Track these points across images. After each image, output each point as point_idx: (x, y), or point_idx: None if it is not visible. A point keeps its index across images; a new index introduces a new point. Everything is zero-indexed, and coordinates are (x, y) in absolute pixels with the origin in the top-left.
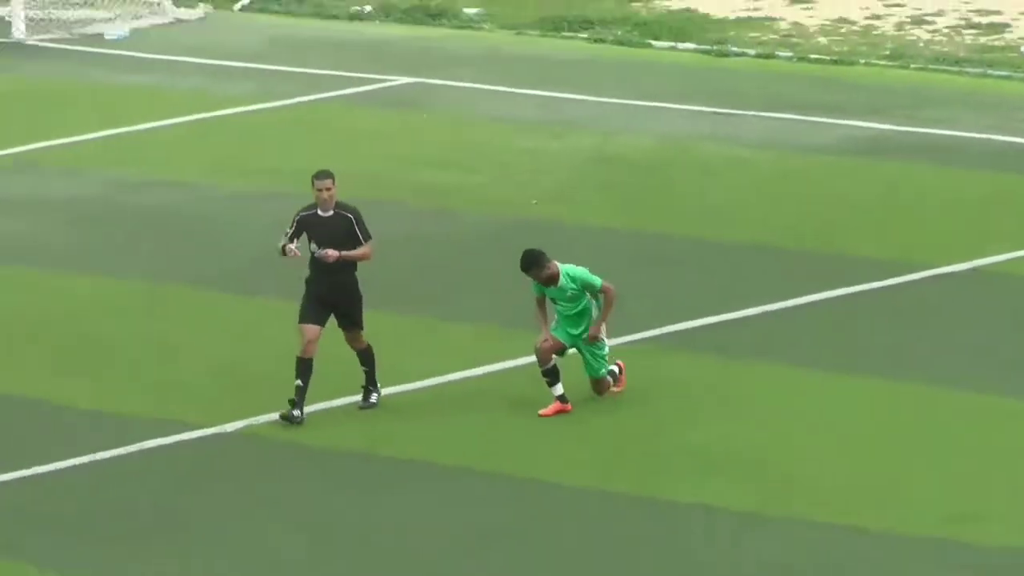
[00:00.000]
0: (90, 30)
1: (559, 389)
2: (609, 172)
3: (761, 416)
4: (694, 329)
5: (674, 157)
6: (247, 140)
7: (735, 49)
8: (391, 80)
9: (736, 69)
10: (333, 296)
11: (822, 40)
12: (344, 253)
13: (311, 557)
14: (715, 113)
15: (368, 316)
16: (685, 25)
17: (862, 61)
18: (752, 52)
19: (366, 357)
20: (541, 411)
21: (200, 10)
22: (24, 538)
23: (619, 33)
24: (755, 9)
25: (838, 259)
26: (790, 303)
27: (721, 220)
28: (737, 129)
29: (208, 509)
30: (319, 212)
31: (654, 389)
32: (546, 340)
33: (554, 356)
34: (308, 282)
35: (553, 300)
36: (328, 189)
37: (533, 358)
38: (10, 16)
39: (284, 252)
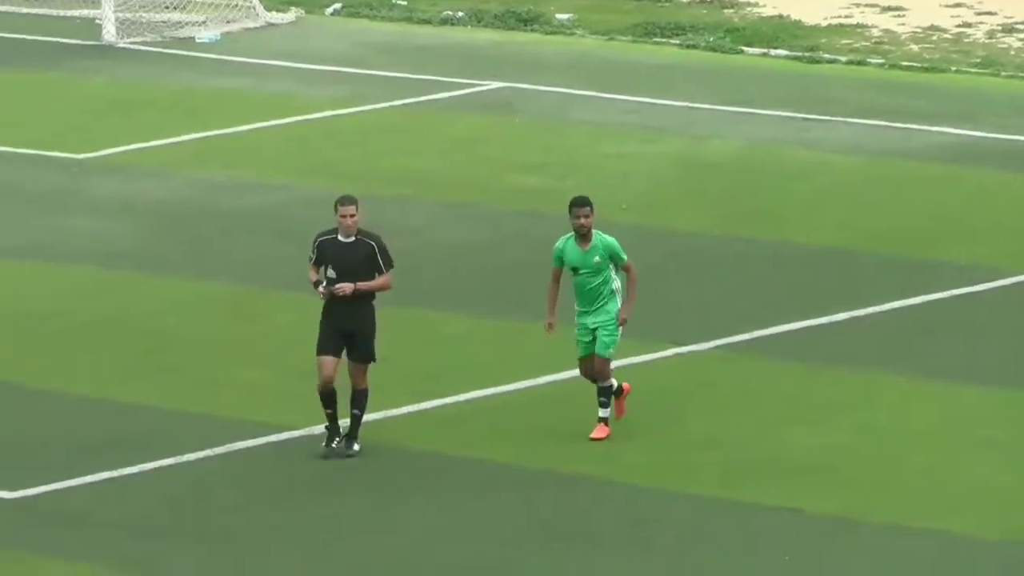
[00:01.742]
0: (181, 34)
1: (605, 412)
2: (698, 177)
3: (845, 422)
4: (779, 334)
5: (763, 162)
6: (337, 144)
7: (827, 56)
8: (482, 85)
9: (827, 76)
10: (349, 325)
11: (913, 47)
12: (360, 285)
13: (394, 561)
14: (805, 119)
15: (456, 320)
16: (777, 31)
17: (953, 69)
18: (843, 59)
19: (360, 399)
20: (593, 435)
21: (292, 14)
22: (106, 540)
23: (710, 39)
24: (847, 16)
25: (925, 265)
26: (876, 309)
27: (809, 225)
28: (826, 135)
29: (292, 511)
30: (340, 238)
31: (739, 394)
32: (586, 360)
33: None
34: (325, 310)
35: (574, 271)
36: (352, 215)
37: (628, 361)
38: (101, 19)
39: (315, 286)
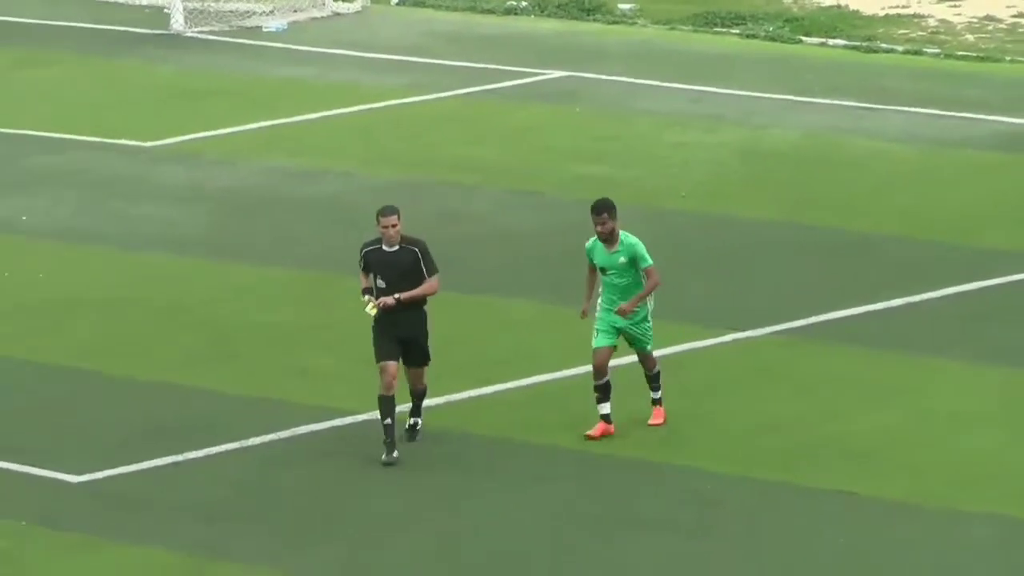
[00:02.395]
0: (248, 23)
1: (606, 408)
2: (757, 165)
3: (902, 406)
4: (837, 320)
5: (821, 150)
6: (402, 132)
7: (884, 45)
8: (545, 74)
9: (884, 65)
10: (403, 331)
11: (969, 37)
12: (404, 295)
13: (454, 544)
14: (862, 108)
15: (520, 306)
16: (835, 21)
17: (1007, 58)
18: (900, 48)
19: (422, 394)
20: (588, 432)
21: (358, 4)
22: (172, 523)
23: (770, 29)
24: (904, 6)
25: (980, 252)
26: (932, 294)
27: (866, 212)
28: (884, 124)
29: (354, 493)
30: (384, 247)
31: (797, 379)
32: (599, 351)
33: (610, 370)
34: (377, 319)
35: (603, 271)
36: (393, 226)
37: (689, 346)
38: (169, 8)
39: (364, 294)
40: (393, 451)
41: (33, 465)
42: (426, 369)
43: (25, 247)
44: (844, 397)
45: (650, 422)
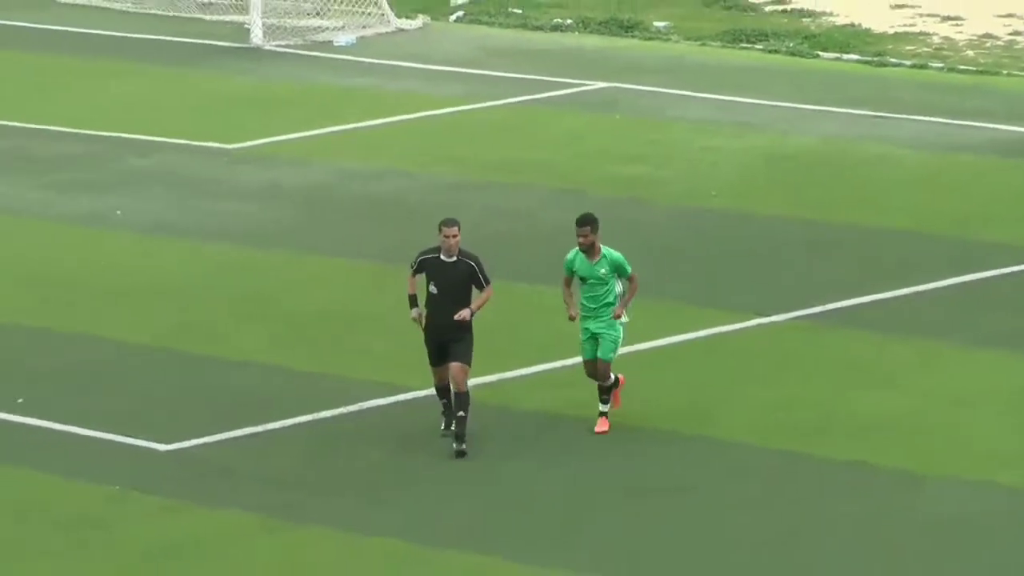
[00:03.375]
0: (320, 37)
1: (607, 407)
2: (780, 167)
3: (909, 386)
4: (852, 307)
5: (837, 155)
6: (458, 136)
7: (893, 60)
8: (588, 85)
9: (893, 78)
10: (451, 335)
11: (970, 53)
12: (475, 308)
13: (516, 516)
14: (875, 116)
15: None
16: (849, 38)
17: (1005, 72)
18: (908, 63)
19: (464, 402)
20: (597, 428)
21: (419, 20)
22: (250, 490)
23: (791, 45)
24: (911, 25)
25: (981, 246)
26: (936, 284)
27: (877, 210)
28: (893, 131)
29: (413, 463)
30: (442, 257)
31: (816, 361)
32: (588, 363)
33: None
34: (427, 325)
35: (583, 280)
36: (455, 236)
37: (717, 329)
38: (249, 24)
39: (411, 301)
40: (451, 424)
41: (125, 435)
42: (468, 372)
43: (119, 239)
44: (856, 377)
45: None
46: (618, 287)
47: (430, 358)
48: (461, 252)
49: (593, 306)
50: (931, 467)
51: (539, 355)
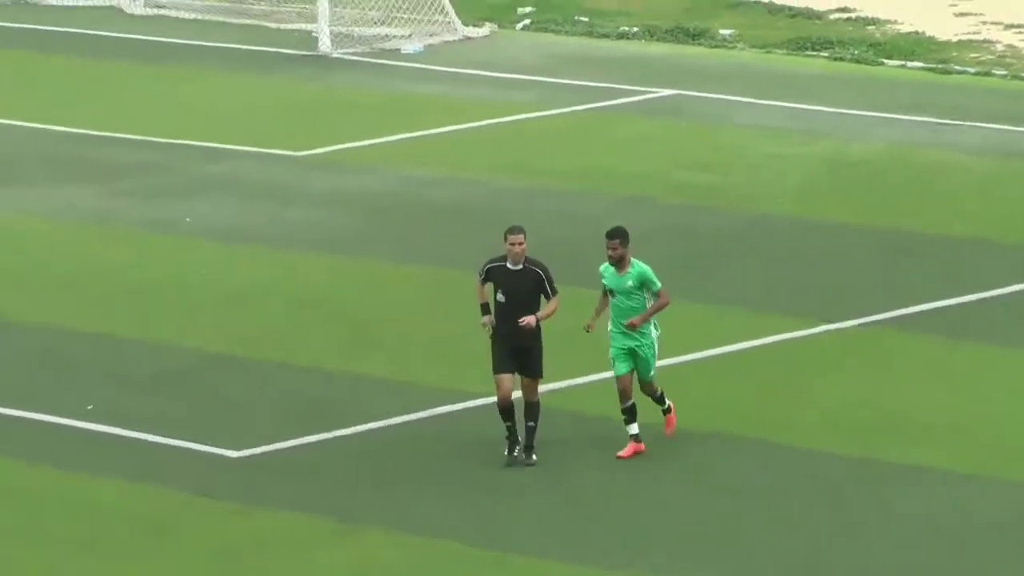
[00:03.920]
0: (388, 45)
1: (635, 428)
2: (844, 174)
3: (975, 390)
4: (917, 313)
5: (902, 162)
6: (526, 143)
7: (957, 67)
8: (654, 92)
9: (958, 85)
10: (521, 343)
11: None
12: (540, 316)
13: (587, 521)
14: (939, 123)
15: None
16: (913, 46)
17: None
18: (972, 70)
19: (534, 412)
20: (619, 453)
21: (486, 28)
22: (320, 493)
23: (856, 52)
24: (975, 33)
25: None
26: (1004, 291)
27: (943, 217)
28: (958, 138)
29: (479, 466)
30: (508, 265)
31: (883, 365)
32: (622, 378)
33: (634, 394)
34: (496, 331)
35: (612, 292)
36: (520, 244)
37: (779, 337)
38: (317, 32)
39: (482, 309)
40: (515, 449)
41: (195, 441)
42: (539, 382)
43: (188, 246)
44: (921, 382)
45: (666, 432)
46: (649, 303)
47: (495, 365)
48: (528, 260)
49: (624, 320)
50: (997, 471)
51: (608, 361)
